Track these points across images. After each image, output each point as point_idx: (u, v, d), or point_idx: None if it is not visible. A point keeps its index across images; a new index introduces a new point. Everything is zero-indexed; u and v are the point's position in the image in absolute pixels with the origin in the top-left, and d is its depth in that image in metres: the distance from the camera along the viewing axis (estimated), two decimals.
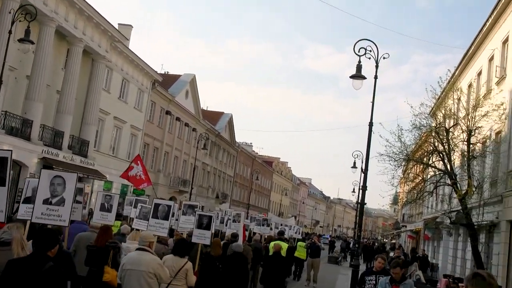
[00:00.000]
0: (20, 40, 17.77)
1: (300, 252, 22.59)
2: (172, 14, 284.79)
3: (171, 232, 14.36)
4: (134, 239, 10.42)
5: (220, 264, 12.56)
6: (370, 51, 15.79)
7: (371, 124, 15.85)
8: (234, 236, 16.32)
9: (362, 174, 16.36)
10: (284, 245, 17.71)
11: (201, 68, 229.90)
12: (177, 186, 48.98)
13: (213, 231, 16.19)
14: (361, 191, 16.41)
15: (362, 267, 23.94)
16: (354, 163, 36.11)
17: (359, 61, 15.74)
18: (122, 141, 38.47)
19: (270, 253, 16.34)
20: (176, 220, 16.21)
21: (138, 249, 7.52)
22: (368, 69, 16.19)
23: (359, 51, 15.63)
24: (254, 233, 20.84)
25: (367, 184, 16.22)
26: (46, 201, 8.11)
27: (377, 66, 15.97)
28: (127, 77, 37.98)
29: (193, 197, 52.63)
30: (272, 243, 17.15)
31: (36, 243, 5.24)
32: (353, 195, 54.68)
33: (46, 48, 26.57)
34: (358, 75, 15.71)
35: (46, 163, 26.92)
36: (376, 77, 16.00)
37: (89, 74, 32.47)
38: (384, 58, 16.12)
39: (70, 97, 29.41)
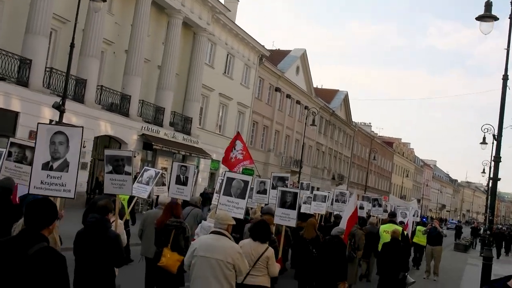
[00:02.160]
0: None
1: (420, 238, 19.54)
2: None
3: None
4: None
5: (314, 248, 10.59)
6: None
7: (505, 77, 12.44)
8: (337, 218, 14.26)
9: (495, 144, 13.01)
10: (399, 228, 14.85)
11: (317, 52, 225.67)
12: (289, 166, 46.88)
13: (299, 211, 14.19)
14: (493, 163, 13.04)
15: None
16: (484, 138, 31.43)
17: None
18: (229, 119, 37.05)
19: (382, 239, 13.71)
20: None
21: (213, 232, 6.07)
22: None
23: None
24: (370, 216, 18.47)
25: (502, 158, 12.90)
26: (46, 166, 6.19)
27: None
28: (232, 52, 36.37)
29: (307, 177, 50.55)
30: (382, 227, 14.51)
31: (26, 218, 3.89)
32: (483, 176, 49.31)
33: (143, 20, 25.50)
34: (487, 15, 12.32)
35: (146, 140, 26.04)
36: None
37: (191, 49, 31.24)
38: None
39: (171, 72, 28.29)
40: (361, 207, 18.98)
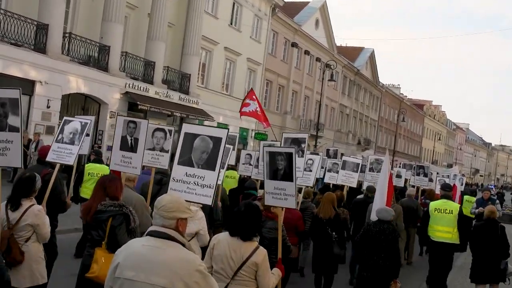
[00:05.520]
0: None
1: (469, 210, 15.46)
2: None
3: None
4: None
5: (333, 231, 8.45)
6: None
7: None
8: (369, 191, 11.27)
9: None
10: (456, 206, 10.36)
11: (341, 14, 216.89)
12: (309, 130, 42.57)
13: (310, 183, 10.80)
14: None
15: None
16: None
17: None
18: (237, 77, 32.81)
19: (432, 219, 9.75)
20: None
21: (150, 233, 3.21)
22: None
23: None
24: (407, 186, 15.86)
25: None
26: None
27: None
28: (239, 0, 31.89)
29: (330, 142, 46.38)
30: (433, 204, 10.22)
31: None
32: None
33: None
34: None
35: (132, 100, 22.10)
36: None
37: None
38: None
39: (162, 20, 24.06)
40: (398, 175, 15.99)
